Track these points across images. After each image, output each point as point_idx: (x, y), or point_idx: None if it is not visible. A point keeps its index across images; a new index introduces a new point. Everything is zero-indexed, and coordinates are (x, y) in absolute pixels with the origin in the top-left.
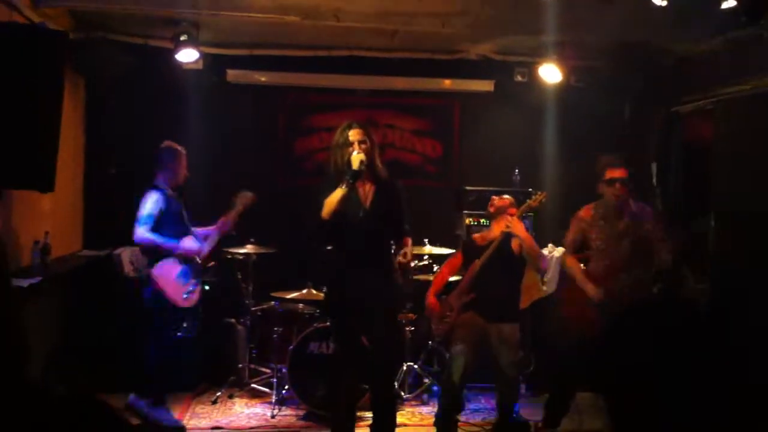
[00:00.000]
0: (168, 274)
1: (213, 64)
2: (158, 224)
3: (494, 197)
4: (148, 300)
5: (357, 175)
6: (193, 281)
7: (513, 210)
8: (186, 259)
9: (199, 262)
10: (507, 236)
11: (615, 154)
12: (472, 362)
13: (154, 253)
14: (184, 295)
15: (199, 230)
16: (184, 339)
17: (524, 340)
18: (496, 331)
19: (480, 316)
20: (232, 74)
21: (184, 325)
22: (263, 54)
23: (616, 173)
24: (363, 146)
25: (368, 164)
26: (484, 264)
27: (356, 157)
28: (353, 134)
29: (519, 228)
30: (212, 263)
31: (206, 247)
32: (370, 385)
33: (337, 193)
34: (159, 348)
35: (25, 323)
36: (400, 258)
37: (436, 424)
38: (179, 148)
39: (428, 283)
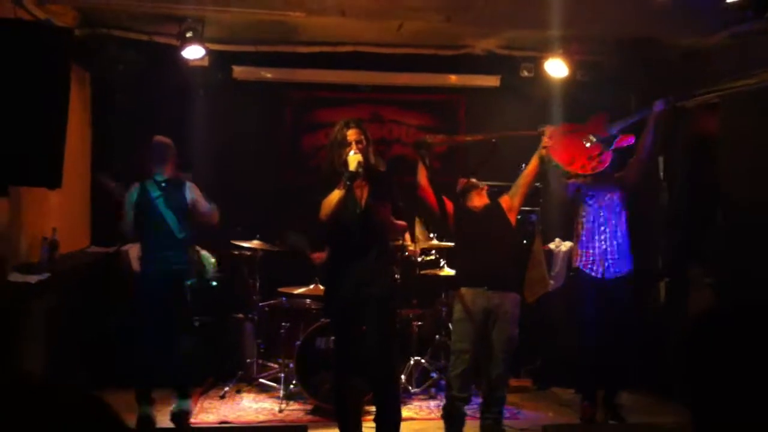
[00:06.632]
0: None
1: (219, 60)
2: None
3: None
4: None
5: (354, 177)
6: None
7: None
8: None
9: None
10: (497, 204)
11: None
12: (475, 360)
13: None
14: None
15: None
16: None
17: (532, 336)
18: (497, 301)
19: (480, 288)
20: (238, 71)
21: None
22: (269, 50)
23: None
24: (359, 146)
25: (364, 164)
26: (479, 231)
27: (353, 158)
28: (351, 134)
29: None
30: None
31: None
32: (370, 376)
33: (335, 195)
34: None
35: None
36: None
37: (443, 413)
38: (168, 141)
39: (435, 277)
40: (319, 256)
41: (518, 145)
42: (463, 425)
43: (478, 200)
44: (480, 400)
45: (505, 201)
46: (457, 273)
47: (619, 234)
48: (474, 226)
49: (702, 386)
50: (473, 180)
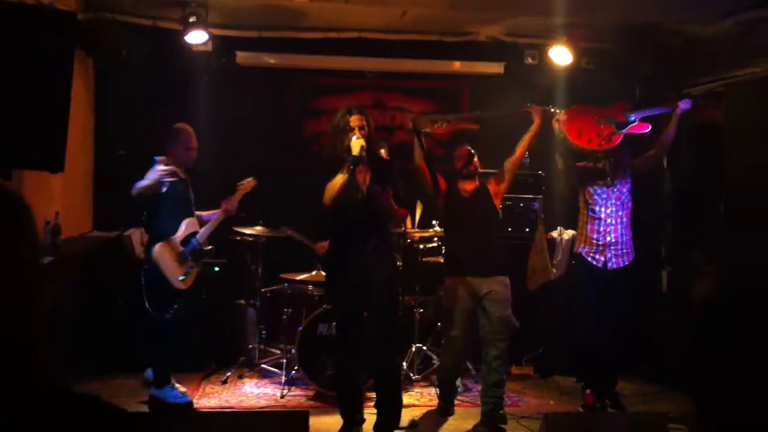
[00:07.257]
0: (168, 255)
1: (222, 45)
2: (163, 203)
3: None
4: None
5: (357, 162)
6: (190, 264)
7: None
8: (186, 241)
9: (200, 243)
10: (485, 188)
11: None
12: (466, 343)
13: (156, 233)
14: (180, 278)
15: (203, 214)
16: (181, 320)
17: (534, 324)
18: (487, 287)
19: (469, 276)
20: (242, 56)
21: (175, 306)
22: (272, 36)
23: None
24: (362, 132)
25: (367, 150)
26: (466, 215)
27: (357, 143)
28: (354, 119)
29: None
30: (210, 247)
31: (206, 230)
32: (372, 363)
33: (339, 179)
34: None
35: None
36: None
37: (438, 382)
38: (188, 129)
39: (437, 264)
40: (322, 246)
41: (514, 131)
42: (455, 394)
43: (469, 184)
44: (480, 387)
45: (492, 185)
46: (445, 261)
47: (624, 225)
48: (461, 209)
49: (707, 377)
50: (472, 151)
